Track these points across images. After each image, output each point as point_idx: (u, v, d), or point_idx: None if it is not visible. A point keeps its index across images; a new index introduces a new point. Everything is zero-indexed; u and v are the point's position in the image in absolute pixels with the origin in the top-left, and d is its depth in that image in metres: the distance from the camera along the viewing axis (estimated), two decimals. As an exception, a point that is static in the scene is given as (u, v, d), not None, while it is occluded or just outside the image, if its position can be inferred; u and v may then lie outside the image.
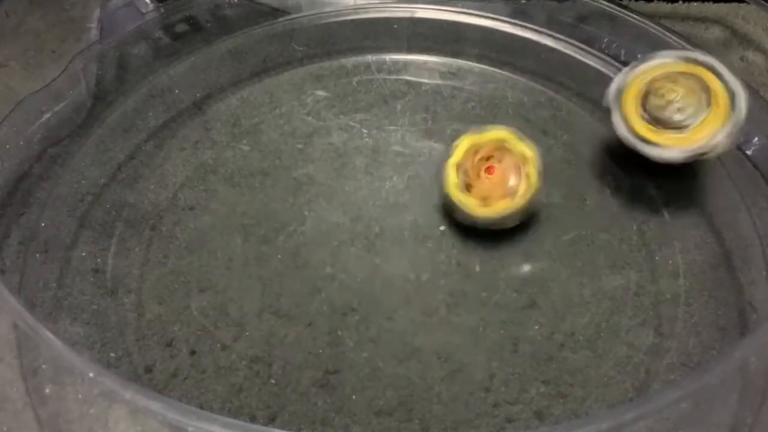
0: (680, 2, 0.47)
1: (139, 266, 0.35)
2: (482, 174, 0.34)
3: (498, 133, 0.35)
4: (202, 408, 0.31)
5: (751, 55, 0.44)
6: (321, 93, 0.43)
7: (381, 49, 0.45)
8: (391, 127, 0.41)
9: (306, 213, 0.37)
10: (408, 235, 0.36)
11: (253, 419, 0.31)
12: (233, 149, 0.40)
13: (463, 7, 0.45)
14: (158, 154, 0.40)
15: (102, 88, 0.42)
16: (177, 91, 0.43)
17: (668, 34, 0.42)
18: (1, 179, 0.38)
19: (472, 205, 0.34)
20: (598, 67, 0.43)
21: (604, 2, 0.44)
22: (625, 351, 0.32)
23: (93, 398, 0.30)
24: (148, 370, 0.32)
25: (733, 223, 0.36)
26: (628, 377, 0.31)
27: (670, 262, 0.35)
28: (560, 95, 0.42)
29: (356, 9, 0.46)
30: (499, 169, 0.34)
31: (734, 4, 0.46)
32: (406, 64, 0.44)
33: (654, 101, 0.35)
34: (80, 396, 0.30)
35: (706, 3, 0.47)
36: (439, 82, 0.43)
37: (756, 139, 0.39)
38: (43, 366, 0.31)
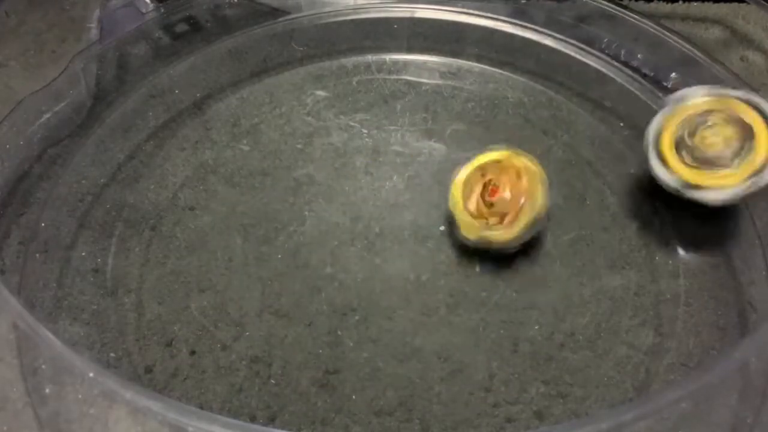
0: (680, 2, 0.47)
1: (139, 266, 0.35)
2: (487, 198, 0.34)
3: (498, 154, 0.35)
4: (202, 408, 0.31)
5: (751, 55, 0.44)
6: (321, 93, 0.43)
7: (381, 49, 0.45)
8: (391, 127, 0.41)
9: (306, 213, 0.37)
10: (408, 235, 0.36)
11: (253, 419, 0.31)
12: (233, 149, 0.40)
13: (463, 7, 0.45)
14: (158, 154, 0.40)
15: (102, 88, 0.42)
16: (177, 91, 0.43)
17: (668, 34, 0.42)
18: (1, 179, 0.38)
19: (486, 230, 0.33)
20: (598, 67, 0.43)
21: (604, 2, 0.44)
22: (625, 351, 0.32)
23: (93, 398, 0.30)
24: (148, 370, 0.32)
25: (733, 223, 0.36)
26: (628, 377, 0.31)
27: (670, 262, 0.35)
28: (560, 95, 0.42)
29: (356, 9, 0.46)
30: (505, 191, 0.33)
31: (734, 4, 0.46)
32: (406, 64, 0.44)
33: (695, 142, 0.33)
34: (80, 396, 0.30)
35: (706, 3, 0.47)
36: (439, 82, 0.43)
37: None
38: (43, 366, 0.31)
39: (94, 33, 0.45)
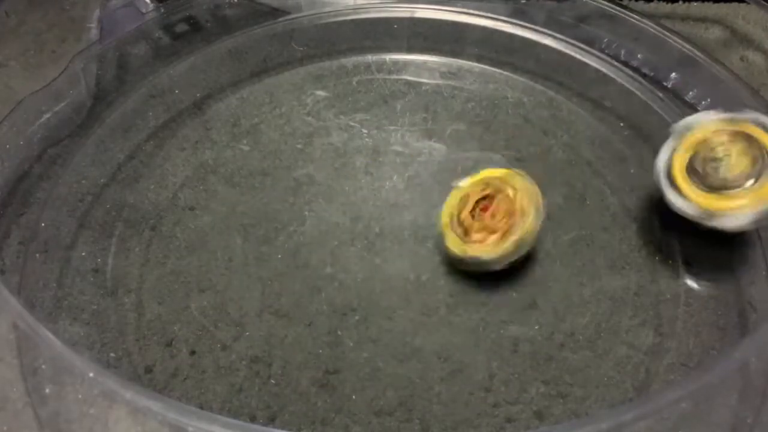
0: (680, 2, 0.47)
1: (139, 266, 0.35)
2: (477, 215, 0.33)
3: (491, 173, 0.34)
4: (202, 408, 0.31)
5: (751, 55, 0.44)
6: (321, 93, 0.43)
7: (381, 49, 0.45)
8: (391, 127, 0.41)
9: (306, 213, 0.37)
10: (408, 235, 0.36)
11: (253, 419, 0.31)
12: (233, 149, 0.40)
13: (463, 7, 0.45)
14: (158, 154, 0.40)
15: (102, 88, 0.42)
16: (177, 91, 0.43)
17: (668, 34, 0.42)
18: (1, 179, 0.38)
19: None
20: (598, 67, 0.43)
21: (604, 2, 0.44)
22: (625, 351, 0.32)
23: (93, 398, 0.30)
24: (148, 370, 0.32)
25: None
26: (628, 377, 0.31)
27: (670, 262, 0.35)
28: (560, 95, 0.42)
29: (356, 9, 0.46)
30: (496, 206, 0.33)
31: (734, 4, 0.46)
32: (406, 64, 0.44)
33: (708, 169, 0.33)
34: (80, 396, 0.30)
35: (706, 3, 0.47)
36: (439, 82, 0.43)
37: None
38: (43, 366, 0.31)
39: (94, 33, 0.45)
